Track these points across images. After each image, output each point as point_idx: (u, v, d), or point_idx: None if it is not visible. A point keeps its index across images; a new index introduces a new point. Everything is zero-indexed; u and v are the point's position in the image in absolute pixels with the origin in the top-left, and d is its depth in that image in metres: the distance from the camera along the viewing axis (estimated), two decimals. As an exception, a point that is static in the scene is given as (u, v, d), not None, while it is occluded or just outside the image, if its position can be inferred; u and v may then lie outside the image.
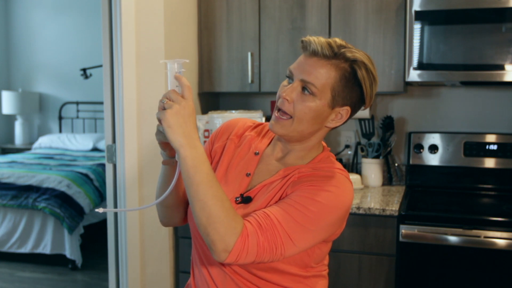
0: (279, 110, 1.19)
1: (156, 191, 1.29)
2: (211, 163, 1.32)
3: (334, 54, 1.15)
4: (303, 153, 1.25)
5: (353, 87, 1.17)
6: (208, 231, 1.05)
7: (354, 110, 1.21)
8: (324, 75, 1.14)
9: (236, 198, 1.22)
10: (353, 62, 1.15)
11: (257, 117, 2.52)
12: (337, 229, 1.21)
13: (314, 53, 1.16)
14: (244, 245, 1.05)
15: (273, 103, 2.86)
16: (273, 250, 1.08)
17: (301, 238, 1.11)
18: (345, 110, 1.20)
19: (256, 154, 1.27)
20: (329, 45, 1.15)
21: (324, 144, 1.31)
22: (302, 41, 1.19)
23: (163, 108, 1.06)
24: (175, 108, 1.04)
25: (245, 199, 1.21)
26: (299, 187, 1.15)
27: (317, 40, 1.16)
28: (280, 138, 1.26)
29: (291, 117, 1.17)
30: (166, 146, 1.14)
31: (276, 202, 1.16)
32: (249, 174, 1.25)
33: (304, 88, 1.16)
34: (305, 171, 1.19)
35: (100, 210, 1.12)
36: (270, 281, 1.20)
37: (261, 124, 1.36)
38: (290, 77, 1.20)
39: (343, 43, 1.17)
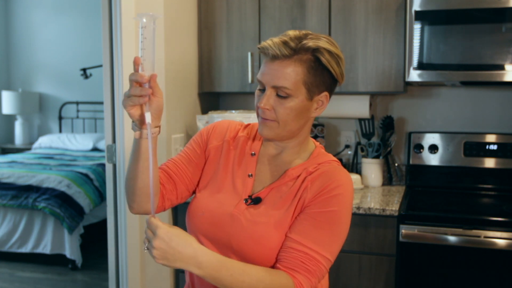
0: (260, 116, 1.21)
1: (127, 171, 1.22)
2: (205, 161, 1.32)
3: (294, 51, 1.15)
4: (297, 148, 1.27)
5: (322, 73, 1.18)
6: None
7: (331, 92, 1.24)
8: (292, 74, 1.15)
9: (246, 199, 1.23)
10: (314, 51, 1.16)
11: (257, 117, 2.51)
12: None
13: (275, 57, 1.16)
14: None
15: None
16: (322, 278, 1.16)
17: (335, 252, 1.17)
18: (323, 96, 1.22)
19: (252, 155, 1.28)
20: (285, 43, 1.15)
21: (313, 139, 1.34)
22: (259, 48, 1.19)
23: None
24: (155, 244, 1.03)
25: (255, 200, 1.22)
26: (316, 201, 1.17)
27: (273, 43, 1.15)
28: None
29: (274, 120, 1.19)
30: (136, 113, 1.09)
31: (295, 208, 1.19)
32: (251, 175, 1.26)
33: (278, 93, 1.17)
34: (312, 169, 1.22)
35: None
36: None
37: (249, 124, 1.37)
38: (260, 86, 1.21)
39: (297, 33, 1.18)
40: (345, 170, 1.24)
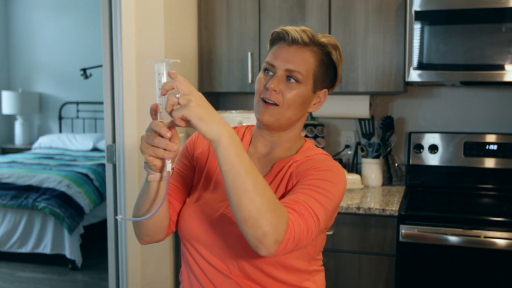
0: (264, 100, 1.20)
1: (135, 207, 1.19)
2: (195, 170, 1.32)
3: (311, 41, 1.20)
4: (289, 144, 1.27)
5: (329, 69, 1.23)
6: (259, 223, 0.98)
7: (329, 91, 1.27)
8: (306, 62, 1.19)
9: None
10: (327, 47, 1.22)
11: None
12: (336, 212, 1.23)
13: (294, 41, 1.20)
14: (291, 234, 1.03)
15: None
16: (309, 235, 1.08)
17: (324, 220, 1.12)
18: (323, 93, 1.26)
19: None
20: (305, 32, 1.20)
21: (304, 138, 1.34)
22: (277, 32, 1.23)
23: (176, 104, 0.97)
24: (195, 99, 0.95)
25: None
26: (307, 172, 1.16)
27: (294, 29, 1.20)
28: (262, 134, 1.26)
29: (277, 105, 1.19)
30: (155, 161, 1.05)
31: (283, 194, 1.17)
32: None
33: (289, 77, 1.19)
34: (300, 159, 1.22)
35: (119, 217, 1.09)
36: (279, 280, 1.20)
37: (236, 127, 1.36)
38: (269, 69, 1.22)
39: (311, 30, 1.23)
40: (336, 162, 1.24)
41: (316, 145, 1.34)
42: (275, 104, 1.19)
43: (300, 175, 1.17)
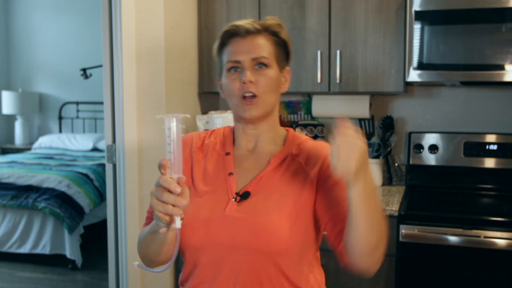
0: (244, 97, 1.22)
1: (143, 244, 1.21)
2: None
3: (262, 27, 1.25)
4: (271, 133, 1.29)
5: (282, 48, 1.28)
6: (377, 251, 1.12)
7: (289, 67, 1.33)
8: (266, 45, 1.24)
9: (234, 197, 1.22)
10: (274, 28, 1.27)
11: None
12: None
13: (248, 32, 1.23)
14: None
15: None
16: None
17: None
18: (286, 70, 1.31)
19: (227, 154, 1.29)
20: (254, 22, 1.25)
21: (282, 127, 1.37)
22: (227, 30, 1.25)
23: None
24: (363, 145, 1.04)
25: (244, 195, 1.21)
26: (328, 170, 1.19)
27: (243, 22, 1.25)
28: (245, 130, 1.28)
29: (256, 95, 1.22)
30: (165, 216, 1.03)
31: (294, 190, 1.20)
32: (232, 173, 1.25)
33: (257, 65, 1.23)
34: (296, 151, 1.25)
35: (136, 264, 1.13)
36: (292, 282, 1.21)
37: (213, 131, 1.37)
38: (235, 67, 1.24)
39: (253, 19, 1.28)
40: (322, 142, 1.31)
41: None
42: (255, 96, 1.22)
43: (318, 172, 1.21)
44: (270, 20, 1.27)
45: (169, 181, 1.00)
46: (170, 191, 1.00)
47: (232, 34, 1.24)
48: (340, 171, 1.03)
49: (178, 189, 0.99)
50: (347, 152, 1.02)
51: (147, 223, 1.29)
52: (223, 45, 1.27)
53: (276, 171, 1.23)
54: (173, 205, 1.00)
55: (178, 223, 1.02)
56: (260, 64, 1.22)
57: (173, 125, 1.02)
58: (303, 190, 1.20)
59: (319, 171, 1.21)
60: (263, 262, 1.18)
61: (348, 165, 1.02)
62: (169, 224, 1.04)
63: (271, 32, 1.26)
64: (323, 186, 1.20)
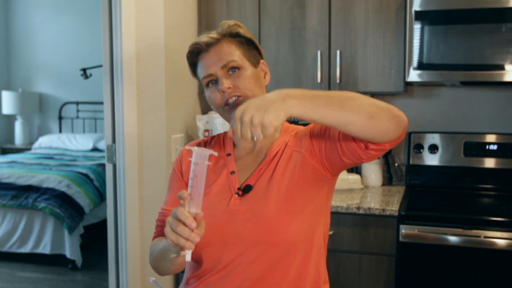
0: (227, 104, 1.24)
1: (155, 258, 1.28)
2: (187, 184, 1.32)
3: (220, 35, 1.27)
4: None
5: (249, 45, 1.30)
6: (383, 112, 1.09)
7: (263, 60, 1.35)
8: (230, 51, 1.25)
9: (237, 192, 1.23)
10: (232, 29, 1.28)
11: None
12: None
13: (208, 45, 1.26)
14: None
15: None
16: None
17: None
18: (262, 64, 1.33)
19: (228, 155, 1.31)
20: (212, 33, 1.27)
21: None
22: (191, 51, 1.28)
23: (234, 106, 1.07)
24: (244, 108, 1.03)
25: (246, 189, 1.23)
26: (313, 136, 1.24)
27: (201, 38, 1.27)
28: None
29: (240, 95, 1.24)
30: (178, 246, 1.06)
31: (288, 174, 1.22)
32: (233, 172, 1.27)
33: (229, 70, 1.24)
34: (289, 139, 1.28)
35: (152, 279, 1.15)
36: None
37: (214, 136, 1.40)
38: (210, 81, 1.26)
39: (211, 31, 1.30)
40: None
41: None
42: (239, 96, 1.23)
43: (307, 143, 1.24)
44: (226, 24, 1.29)
45: (186, 215, 1.01)
46: (185, 225, 1.02)
47: (197, 53, 1.27)
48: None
49: (193, 225, 1.01)
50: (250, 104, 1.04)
51: (157, 233, 1.34)
52: (194, 66, 1.31)
53: (274, 161, 1.25)
54: (186, 239, 1.02)
55: (188, 257, 1.04)
56: (232, 68, 1.24)
57: (201, 162, 1.03)
58: (296, 170, 1.23)
59: (310, 139, 1.24)
60: (269, 252, 1.18)
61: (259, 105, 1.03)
62: (179, 251, 1.06)
63: (231, 35, 1.27)
64: (320, 140, 1.23)
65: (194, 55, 1.28)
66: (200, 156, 1.02)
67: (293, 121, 2.28)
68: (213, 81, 1.26)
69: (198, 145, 1.38)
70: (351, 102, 1.07)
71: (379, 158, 2.67)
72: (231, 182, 1.26)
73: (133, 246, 2.41)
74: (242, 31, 1.29)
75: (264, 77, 1.32)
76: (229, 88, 1.23)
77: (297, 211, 1.20)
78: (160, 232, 1.35)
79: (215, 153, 1.05)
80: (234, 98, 1.23)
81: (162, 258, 1.22)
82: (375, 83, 2.49)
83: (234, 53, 1.25)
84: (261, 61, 1.33)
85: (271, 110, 1.02)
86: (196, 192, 1.03)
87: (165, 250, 1.18)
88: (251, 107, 1.03)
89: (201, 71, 1.27)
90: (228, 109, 1.24)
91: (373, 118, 1.07)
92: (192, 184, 1.03)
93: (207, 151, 1.03)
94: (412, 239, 2.15)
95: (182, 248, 1.04)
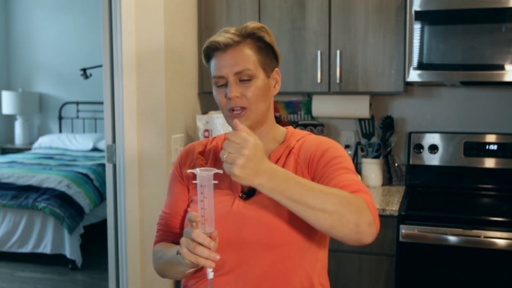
0: (233, 110, 1.23)
1: (157, 268, 1.33)
2: (187, 187, 1.34)
3: (242, 37, 1.23)
4: (270, 134, 1.32)
5: (268, 52, 1.27)
6: (344, 220, 1.04)
7: (278, 68, 1.33)
8: (248, 56, 1.22)
9: (240, 196, 1.24)
10: (257, 32, 1.25)
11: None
12: None
13: (227, 46, 1.22)
14: (373, 207, 1.10)
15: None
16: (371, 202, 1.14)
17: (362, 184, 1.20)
18: (276, 72, 1.30)
19: None
20: (231, 32, 1.24)
21: (281, 126, 1.39)
22: (208, 47, 1.25)
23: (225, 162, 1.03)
24: (245, 152, 1.01)
25: (249, 193, 1.24)
26: (320, 161, 1.21)
27: (222, 36, 1.23)
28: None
29: (245, 107, 1.23)
30: (194, 264, 1.10)
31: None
32: None
33: (242, 79, 1.22)
34: (293, 144, 1.28)
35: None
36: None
37: (215, 137, 1.40)
38: (220, 82, 1.24)
39: (235, 27, 1.26)
40: (324, 137, 1.31)
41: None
42: (244, 108, 1.22)
43: (311, 163, 1.22)
44: (252, 25, 1.25)
45: (203, 237, 1.04)
46: (203, 245, 1.05)
47: (214, 49, 1.25)
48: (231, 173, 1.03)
49: (212, 244, 1.05)
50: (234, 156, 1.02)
51: (159, 237, 1.36)
52: (208, 58, 1.28)
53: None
54: (206, 259, 1.05)
55: (210, 275, 1.07)
56: (244, 76, 1.22)
57: (207, 183, 1.05)
58: (298, 175, 1.22)
59: (308, 164, 1.23)
60: (271, 254, 1.19)
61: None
62: (194, 266, 1.10)
63: (255, 38, 1.24)
64: (323, 173, 1.21)
65: (211, 50, 1.26)
66: (206, 177, 1.04)
67: (295, 122, 2.27)
68: (222, 83, 1.24)
69: (200, 144, 1.38)
70: (321, 208, 1.04)
71: (379, 158, 2.67)
72: (234, 184, 1.26)
73: (133, 246, 2.41)
74: (267, 37, 1.25)
75: (274, 86, 1.30)
76: (236, 97, 1.22)
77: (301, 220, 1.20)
78: (162, 236, 1.36)
79: (220, 171, 1.06)
80: (239, 110, 1.22)
81: (171, 267, 1.24)
82: (375, 83, 2.49)
83: (252, 59, 1.22)
84: (276, 69, 1.30)
85: (247, 170, 1.01)
86: (208, 212, 1.06)
87: (175, 263, 1.20)
88: (243, 156, 1.01)
89: (213, 69, 1.25)
90: (231, 116, 1.24)
91: (334, 229, 1.06)
92: (203, 206, 1.05)
93: (210, 171, 1.05)
94: (412, 239, 2.15)
95: (196, 264, 1.08)
